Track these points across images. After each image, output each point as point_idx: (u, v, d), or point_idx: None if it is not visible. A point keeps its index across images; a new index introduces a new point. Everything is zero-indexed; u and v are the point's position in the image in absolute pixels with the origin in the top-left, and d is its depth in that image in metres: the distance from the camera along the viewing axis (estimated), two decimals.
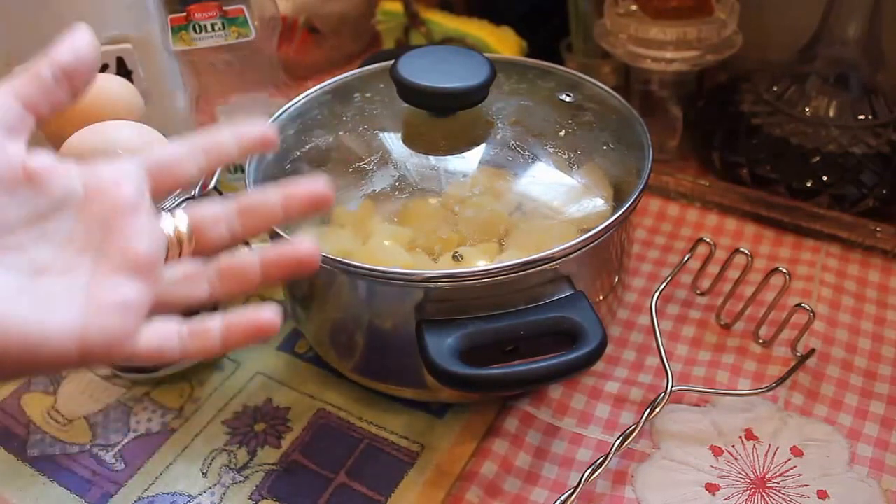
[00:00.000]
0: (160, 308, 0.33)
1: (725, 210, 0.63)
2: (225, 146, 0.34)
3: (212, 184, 0.49)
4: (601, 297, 0.47)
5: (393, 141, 0.50)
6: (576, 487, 0.43)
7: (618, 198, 0.46)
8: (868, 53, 0.60)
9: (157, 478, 0.47)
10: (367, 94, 0.53)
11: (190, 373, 0.53)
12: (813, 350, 0.51)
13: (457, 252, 0.44)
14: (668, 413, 0.48)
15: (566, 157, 0.48)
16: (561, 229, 0.45)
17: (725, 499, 0.44)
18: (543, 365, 0.39)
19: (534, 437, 0.47)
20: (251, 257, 0.33)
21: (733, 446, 0.46)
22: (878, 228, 0.58)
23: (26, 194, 0.30)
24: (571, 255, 0.42)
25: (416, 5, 0.77)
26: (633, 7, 0.64)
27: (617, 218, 0.43)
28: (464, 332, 0.40)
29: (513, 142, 0.48)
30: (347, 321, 0.47)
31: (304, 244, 0.33)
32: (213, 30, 0.53)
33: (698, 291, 0.56)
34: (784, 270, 0.50)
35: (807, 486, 0.44)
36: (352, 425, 0.49)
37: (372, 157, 0.48)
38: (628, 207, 0.44)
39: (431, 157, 0.49)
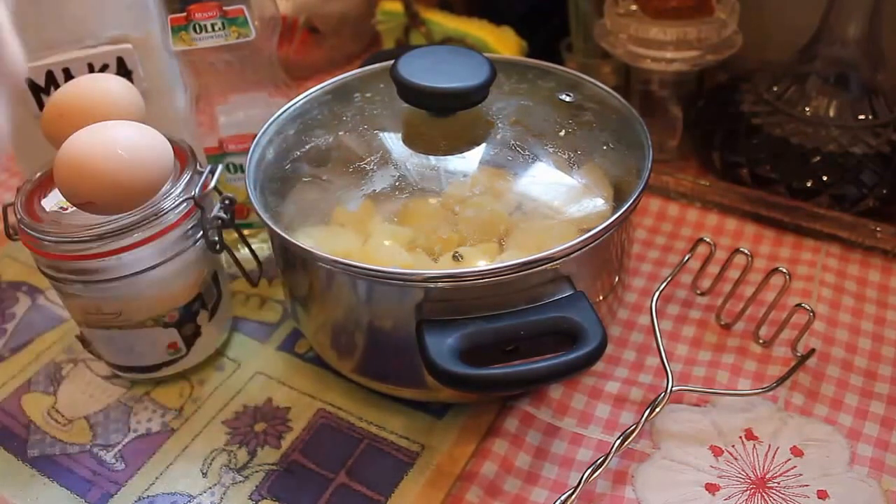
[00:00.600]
0: None
1: (725, 210, 0.63)
2: None
3: (212, 184, 0.49)
4: (601, 297, 0.47)
5: (393, 141, 0.50)
6: (576, 487, 0.43)
7: (618, 198, 0.46)
8: (868, 53, 0.60)
9: (157, 478, 0.47)
10: (367, 94, 0.53)
11: (190, 373, 0.53)
12: (813, 350, 0.51)
13: (457, 252, 0.44)
14: (668, 413, 0.48)
15: (566, 157, 0.48)
16: (561, 229, 0.45)
17: (725, 499, 0.44)
18: (543, 365, 0.39)
19: (534, 437, 0.47)
20: None
21: (733, 446, 0.46)
22: (878, 228, 0.58)
23: None
24: (571, 255, 0.42)
25: (416, 5, 0.77)
26: (633, 7, 0.64)
27: (617, 218, 0.43)
28: (464, 332, 0.40)
29: (513, 142, 0.48)
30: (347, 321, 0.47)
31: None
32: (213, 30, 0.53)
33: (698, 291, 0.56)
34: (784, 270, 0.50)
35: (807, 486, 0.44)
36: (352, 425, 0.49)
37: (372, 157, 0.48)
38: (628, 207, 0.44)
39: (431, 157, 0.49)
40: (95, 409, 0.51)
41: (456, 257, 0.44)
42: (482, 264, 0.43)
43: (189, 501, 0.46)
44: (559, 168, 0.48)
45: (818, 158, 0.59)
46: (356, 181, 0.47)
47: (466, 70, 0.48)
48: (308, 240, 0.45)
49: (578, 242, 0.42)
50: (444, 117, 0.49)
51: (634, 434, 0.44)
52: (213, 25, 0.53)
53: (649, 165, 0.47)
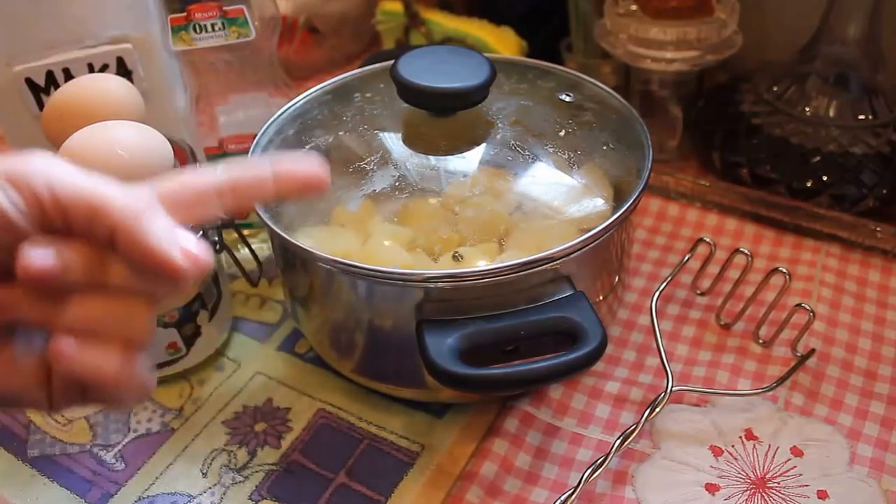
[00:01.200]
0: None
1: (725, 210, 0.63)
2: (260, 185, 0.31)
3: None
4: (601, 297, 0.47)
5: (393, 141, 0.50)
6: (576, 487, 0.43)
7: (618, 198, 0.46)
8: (868, 53, 0.60)
9: (157, 478, 0.47)
10: (367, 94, 0.53)
11: (190, 373, 0.53)
12: (813, 350, 0.51)
13: (457, 252, 0.44)
14: (668, 413, 0.48)
15: (566, 157, 0.48)
16: (561, 229, 0.45)
17: (725, 499, 0.44)
18: (543, 365, 0.39)
19: (534, 437, 0.47)
20: (265, 170, 0.31)
21: (733, 446, 0.46)
22: (878, 228, 0.58)
23: None
24: (571, 255, 0.42)
25: (416, 5, 0.77)
26: (633, 7, 0.64)
27: (617, 218, 0.43)
28: (464, 332, 0.40)
29: (513, 142, 0.48)
30: (347, 321, 0.47)
31: (313, 166, 0.31)
32: (213, 30, 0.53)
33: (698, 291, 0.56)
34: (784, 270, 0.50)
35: (807, 486, 0.44)
36: (352, 425, 0.49)
37: (372, 157, 0.48)
38: (628, 207, 0.44)
39: (431, 157, 0.49)
40: (95, 409, 0.51)
41: (456, 257, 0.44)
42: (482, 264, 0.43)
43: (189, 501, 0.46)
44: (559, 168, 0.48)
45: (818, 158, 0.59)
46: (356, 181, 0.47)
47: (466, 70, 0.48)
48: (308, 240, 0.44)
49: (578, 242, 0.42)
50: (444, 117, 0.49)
51: (634, 434, 0.44)
52: (213, 25, 0.53)
53: (649, 165, 0.47)
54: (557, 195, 0.47)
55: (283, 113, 0.53)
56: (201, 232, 0.49)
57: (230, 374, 0.53)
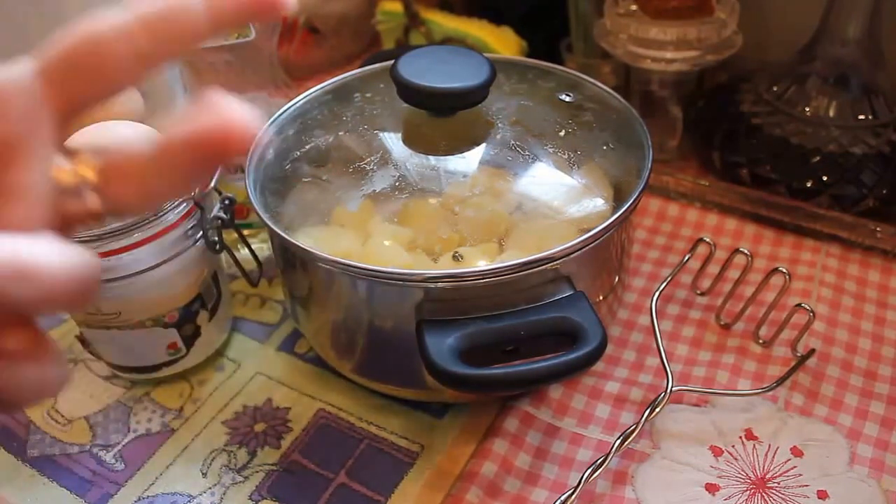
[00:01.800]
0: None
1: (725, 210, 0.63)
2: (185, 14, 0.24)
3: (212, 184, 0.49)
4: (601, 297, 0.47)
5: (393, 141, 0.50)
6: (576, 487, 0.43)
7: (618, 198, 0.46)
8: (868, 53, 0.60)
9: (157, 478, 0.47)
10: (367, 94, 0.53)
11: (190, 373, 0.53)
12: (813, 350, 0.51)
13: (457, 252, 0.44)
14: (668, 413, 0.48)
15: (566, 157, 0.48)
16: (561, 229, 0.45)
17: (725, 499, 0.44)
18: (544, 365, 0.39)
19: (534, 438, 0.47)
20: None
21: (733, 446, 0.46)
22: (878, 228, 0.58)
23: None
24: (571, 255, 0.42)
25: (416, 5, 0.77)
26: (633, 7, 0.64)
27: (617, 218, 0.43)
28: (464, 332, 0.40)
29: (513, 142, 0.48)
30: (347, 321, 0.47)
31: None
32: None
33: (698, 291, 0.56)
34: (784, 270, 0.50)
35: (807, 486, 0.44)
36: (352, 425, 0.49)
37: (372, 157, 0.48)
38: (628, 207, 0.44)
39: (431, 157, 0.49)
40: (95, 410, 0.51)
41: (456, 257, 0.44)
42: (482, 264, 0.43)
43: (189, 501, 0.46)
44: (559, 168, 0.48)
45: (818, 158, 0.59)
46: (356, 181, 0.47)
47: (466, 70, 0.48)
48: (308, 240, 0.44)
49: (578, 242, 0.42)
50: (444, 117, 0.49)
51: (634, 434, 0.44)
52: None
53: (649, 165, 0.47)
54: (557, 195, 0.47)
55: (283, 113, 0.53)
56: (202, 232, 0.49)
57: (230, 374, 0.53)
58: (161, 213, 0.46)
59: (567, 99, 0.52)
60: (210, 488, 0.46)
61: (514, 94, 0.52)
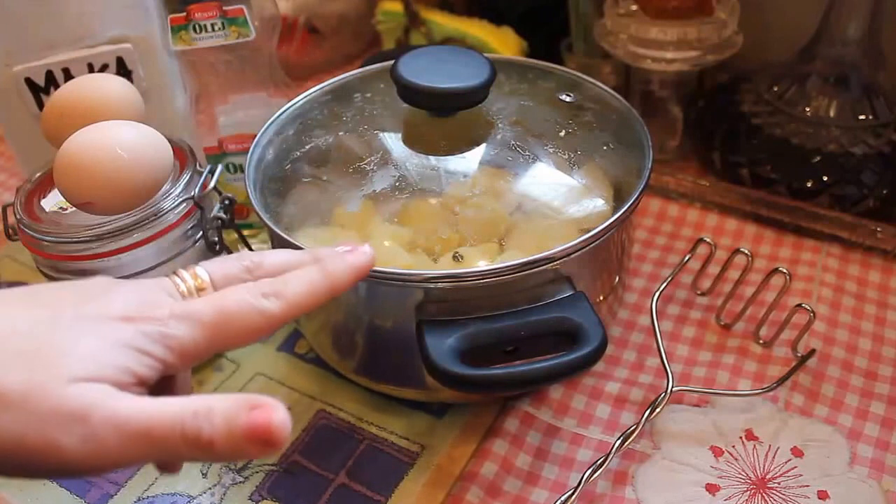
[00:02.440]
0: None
1: (726, 210, 0.63)
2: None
3: (212, 184, 0.49)
4: (601, 298, 0.47)
5: (393, 141, 0.50)
6: (576, 488, 0.43)
7: (618, 198, 0.46)
8: (868, 53, 0.60)
9: (156, 478, 0.47)
10: (367, 94, 0.53)
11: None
12: (813, 350, 0.51)
13: (457, 252, 0.44)
14: (669, 413, 0.48)
15: (566, 157, 0.48)
16: (561, 229, 0.45)
17: (726, 499, 0.44)
18: (544, 365, 0.39)
19: (534, 438, 0.47)
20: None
21: (734, 447, 0.46)
22: (878, 228, 0.58)
23: None
24: (572, 256, 0.42)
25: (416, 5, 0.77)
26: (634, 7, 0.64)
27: (617, 218, 0.43)
28: (464, 333, 0.40)
29: (513, 142, 0.48)
30: (348, 322, 0.47)
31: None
32: (213, 30, 0.53)
33: (699, 292, 0.56)
34: (784, 271, 0.50)
35: (807, 486, 0.44)
36: (352, 426, 0.49)
37: (372, 157, 0.48)
38: (629, 207, 0.44)
39: (431, 157, 0.48)
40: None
41: (456, 257, 0.44)
42: (482, 264, 0.43)
43: (189, 502, 0.46)
44: (559, 168, 0.48)
45: (818, 158, 0.59)
46: (356, 181, 0.47)
47: (466, 70, 0.48)
48: (308, 240, 0.44)
49: (578, 243, 0.42)
50: (444, 117, 0.49)
51: (634, 434, 0.44)
52: (212, 25, 0.53)
53: (649, 165, 0.47)
54: (557, 195, 0.47)
55: (283, 113, 0.53)
56: (202, 232, 0.49)
57: (230, 374, 0.53)
58: (161, 214, 0.46)
59: (567, 99, 0.52)
60: (210, 489, 0.46)
61: (514, 94, 0.52)
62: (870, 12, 0.59)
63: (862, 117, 0.60)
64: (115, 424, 0.28)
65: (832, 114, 0.60)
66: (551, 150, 0.49)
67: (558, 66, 0.56)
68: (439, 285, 0.41)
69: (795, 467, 0.45)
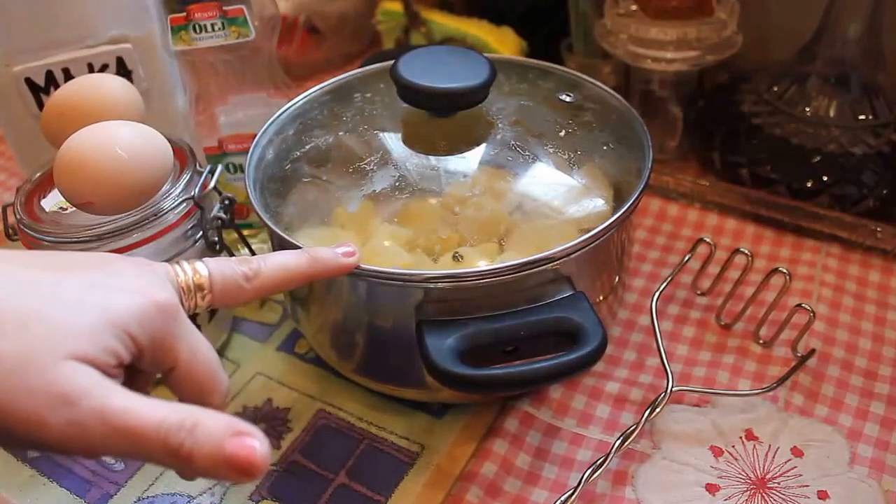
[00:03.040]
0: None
1: (726, 210, 0.63)
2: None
3: (212, 184, 0.49)
4: (601, 298, 0.47)
5: (393, 141, 0.50)
6: (576, 488, 0.43)
7: (618, 198, 0.46)
8: (868, 53, 0.60)
9: (156, 478, 0.47)
10: (367, 94, 0.53)
11: None
12: (813, 350, 0.51)
13: (457, 252, 0.44)
14: (669, 413, 0.48)
15: (566, 157, 0.48)
16: (561, 229, 0.45)
17: (726, 499, 0.44)
18: (544, 365, 0.39)
19: (534, 438, 0.47)
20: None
21: (733, 447, 0.46)
22: (878, 228, 0.58)
23: None
24: (572, 256, 0.42)
25: (416, 5, 0.77)
26: (633, 7, 0.64)
27: (617, 218, 0.43)
28: (464, 333, 0.40)
29: (513, 142, 0.48)
30: (347, 322, 0.47)
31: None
32: (213, 30, 0.53)
33: (699, 291, 0.56)
34: (784, 270, 0.50)
35: (807, 486, 0.44)
36: (352, 426, 0.49)
37: (372, 157, 0.48)
38: (629, 207, 0.44)
39: (431, 157, 0.48)
40: None
41: (456, 257, 0.44)
42: (482, 264, 0.43)
43: (189, 502, 0.46)
44: (559, 168, 0.48)
45: (818, 158, 0.59)
46: (356, 181, 0.47)
47: (466, 70, 0.48)
48: (308, 240, 0.44)
49: (578, 243, 0.42)
50: (444, 117, 0.49)
51: (634, 434, 0.44)
52: (212, 25, 0.53)
53: (649, 165, 0.47)
54: (557, 195, 0.47)
55: (282, 113, 0.53)
56: (202, 232, 0.49)
57: (230, 374, 0.53)
58: (161, 214, 0.46)
59: (567, 99, 0.52)
60: (210, 488, 0.46)
61: (514, 94, 0.52)
62: (870, 12, 0.59)
63: (862, 117, 0.60)
64: (102, 415, 0.28)
65: (832, 114, 0.60)
66: (551, 150, 0.49)
67: (558, 66, 0.56)
68: (439, 285, 0.41)
69: (795, 467, 0.45)
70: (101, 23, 0.53)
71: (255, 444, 0.28)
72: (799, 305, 0.50)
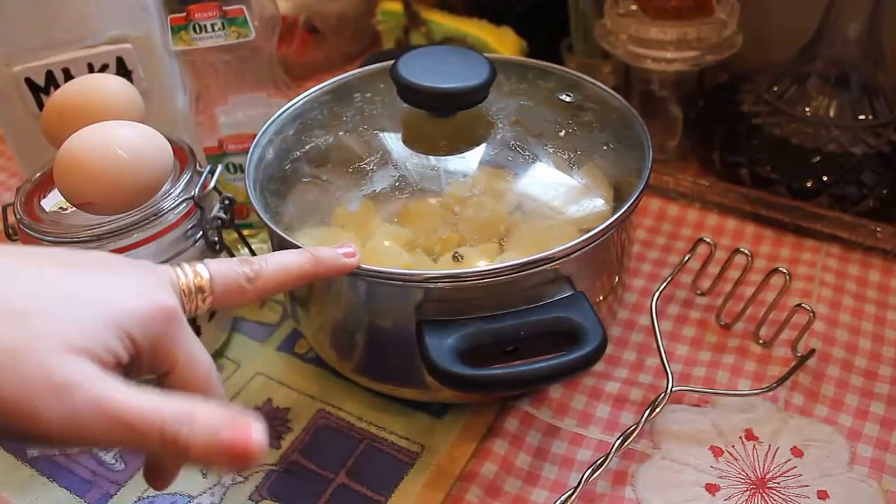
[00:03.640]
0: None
1: (725, 210, 0.63)
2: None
3: (212, 184, 0.49)
4: (601, 298, 0.47)
5: (393, 141, 0.50)
6: (576, 488, 0.43)
7: (618, 198, 0.46)
8: (868, 53, 0.60)
9: None
10: (367, 94, 0.53)
11: None
12: (813, 350, 0.51)
13: (457, 252, 0.44)
14: (669, 413, 0.48)
15: (566, 157, 0.48)
16: (561, 229, 0.45)
17: (726, 499, 0.44)
18: (544, 365, 0.39)
19: (534, 438, 0.47)
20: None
21: (733, 446, 0.46)
22: (878, 228, 0.58)
23: None
24: (571, 256, 0.42)
25: (416, 5, 0.77)
26: (633, 7, 0.64)
27: (617, 218, 0.43)
28: (464, 333, 0.40)
29: (513, 142, 0.48)
30: (347, 322, 0.47)
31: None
32: (213, 30, 0.53)
33: (698, 291, 0.56)
34: (784, 270, 0.50)
35: (807, 486, 0.44)
36: (352, 425, 0.49)
37: (372, 157, 0.48)
38: (628, 207, 0.44)
39: (431, 157, 0.48)
40: None
41: (456, 257, 0.44)
42: (482, 264, 0.43)
43: (189, 502, 0.46)
44: (559, 168, 0.48)
45: (818, 158, 0.59)
46: (356, 181, 0.47)
47: (466, 70, 0.48)
48: (308, 240, 0.44)
49: (578, 243, 0.42)
50: (444, 117, 0.49)
51: (634, 434, 0.44)
52: (212, 25, 0.53)
53: (649, 165, 0.47)
54: (557, 195, 0.47)
55: (282, 113, 0.53)
56: (202, 232, 0.49)
57: (230, 374, 0.53)
58: (161, 214, 0.46)
59: (567, 99, 0.52)
60: (210, 488, 0.46)
61: (514, 94, 0.52)
62: (870, 12, 0.59)
63: (862, 117, 0.60)
64: (99, 405, 0.28)
65: (832, 114, 0.60)
66: (551, 150, 0.49)
67: (558, 66, 0.56)
68: (439, 285, 0.41)
69: (795, 467, 0.45)
70: (101, 23, 0.53)
71: (251, 431, 0.29)
72: (799, 305, 0.50)
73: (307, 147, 0.50)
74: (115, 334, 0.30)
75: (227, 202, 0.50)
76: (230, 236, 0.52)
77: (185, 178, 0.48)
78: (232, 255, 0.52)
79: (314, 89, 0.55)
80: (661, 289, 0.51)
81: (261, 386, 0.52)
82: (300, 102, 0.54)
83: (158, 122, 0.47)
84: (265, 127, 0.51)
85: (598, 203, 0.46)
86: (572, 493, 0.43)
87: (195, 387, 0.33)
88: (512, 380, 0.40)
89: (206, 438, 0.28)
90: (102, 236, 0.44)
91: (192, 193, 0.47)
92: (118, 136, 0.43)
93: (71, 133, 0.43)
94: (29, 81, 0.53)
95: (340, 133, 0.51)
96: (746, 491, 0.44)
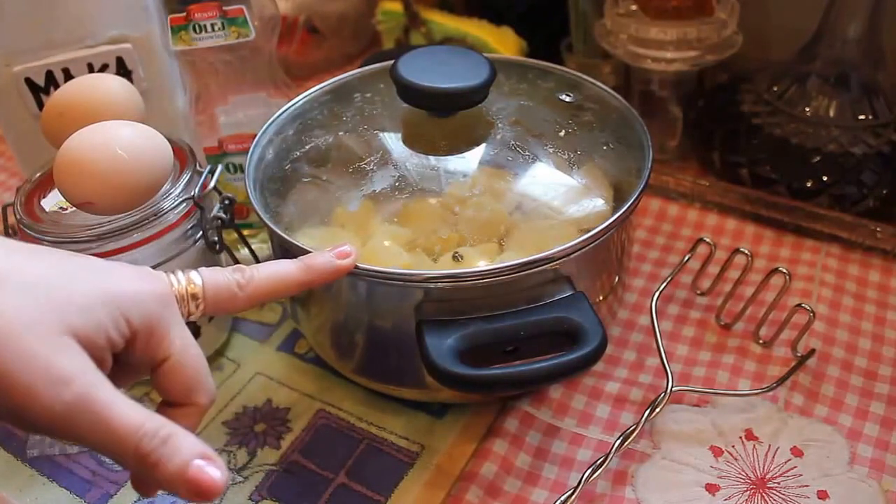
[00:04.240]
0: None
1: (725, 210, 0.63)
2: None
3: (212, 184, 0.49)
4: (601, 298, 0.47)
5: (393, 141, 0.50)
6: (576, 488, 0.43)
7: (618, 198, 0.46)
8: (868, 53, 0.60)
9: None
10: (367, 94, 0.53)
11: None
12: (813, 350, 0.51)
13: (457, 252, 0.44)
14: (669, 413, 0.48)
15: (566, 157, 0.48)
16: (561, 229, 0.45)
17: (725, 499, 0.44)
18: (544, 365, 0.39)
19: (534, 438, 0.47)
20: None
21: (733, 446, 0.46)
22: (878, 228, 0.58)
23: None
24: (571, 256, 0.42)
25: (416, 5, 0.77)
26: (633, 7, 0.64)
27: (617, 218, 0.43)
28: (464, 333, 0.40)
29: (513, 142, 0.48)
30: (347, 321, 0.47)
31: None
32: (213, 30, 0.53)
33: (698, 291, 0.56)
34: (784, 270, 0.50)
35: (807, 486, 0.44)
36: (352, 425, 0.49)
37: (372, 157, 0.48)
38: (628, 207, 0.44)
39: (431, 157, 0.49)
40: None
41: (456, 257, 0.44)
42: (482, 264, 0.43)
43: (189, 502, 0.46)
44: (559, 168, 0.48)
45: (818, 158, 0.59)
46: (356, 181, 0.47)
47: (466, 70, 0.48)
48: (308, 240, 0.44)
49: (578, 243, 0.42)
50: (444, 117, 0.49)
51: (634, 434, 0.44)
52: (212, 25, 0.53)
53: (649, 165, 0.47)
54: (557, 195, 0.47)
55: (282, 113, 0.53)
56: (202, 232, 0.49)
57: (230, 374, 0.53)
58: (161, 214, 0.46)
59: (567, 99, 0.52)
60: None
61: (514, 94, 0.52)
62: (870, 12, 0.59)
63: (862, 117, 0.60)
64: (88, 402, 0.29)
65: (832, 114, 0.60)
66: (551, 150, 0.49)
67: (558, 66, 0.56)
68: (439, 285, 0.41)
69: (795, 467, 0.45)
70: (101, 23, 0.53)
71: (216, 473, 0.30)
72: (799, 305, 0.50)
73: (307, 147, 0.50)
74: (109, 313, 0.31)
75: (227, 202, 0.50)
76: (230, 236, 0.52)
77: (185, 178, 0.48)
78: (232, 255, 0.52)
79: (314, 89, 0.55)
80: (661, 289, 0.51)
81: (261, 386, 0.52)
82: (300, 102, 0.54)
83: (158, 122, 0.47)
84: (265, 127, 0.51)
85: (598, 203, 0.46)
86: (572, 493, 0.43)
87: (188, 378, 0.33)
88: (512, 380, 0.40)
89: (174, 466, 0.29)
90: (102, 236, 0.44)
91: (192, 193, 0.47)
92: (118, 136, 0.43)
93: (71, 133, 0.43)
94: (29, 81, 0.53)
95: (340, 133, 0.51)
96: (746, 491, 0.44)
